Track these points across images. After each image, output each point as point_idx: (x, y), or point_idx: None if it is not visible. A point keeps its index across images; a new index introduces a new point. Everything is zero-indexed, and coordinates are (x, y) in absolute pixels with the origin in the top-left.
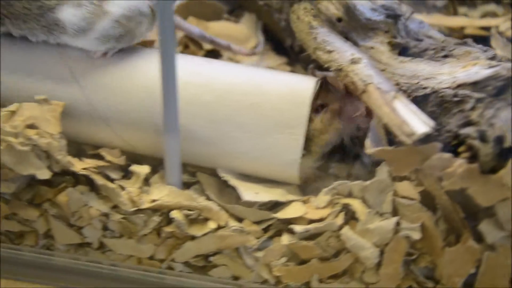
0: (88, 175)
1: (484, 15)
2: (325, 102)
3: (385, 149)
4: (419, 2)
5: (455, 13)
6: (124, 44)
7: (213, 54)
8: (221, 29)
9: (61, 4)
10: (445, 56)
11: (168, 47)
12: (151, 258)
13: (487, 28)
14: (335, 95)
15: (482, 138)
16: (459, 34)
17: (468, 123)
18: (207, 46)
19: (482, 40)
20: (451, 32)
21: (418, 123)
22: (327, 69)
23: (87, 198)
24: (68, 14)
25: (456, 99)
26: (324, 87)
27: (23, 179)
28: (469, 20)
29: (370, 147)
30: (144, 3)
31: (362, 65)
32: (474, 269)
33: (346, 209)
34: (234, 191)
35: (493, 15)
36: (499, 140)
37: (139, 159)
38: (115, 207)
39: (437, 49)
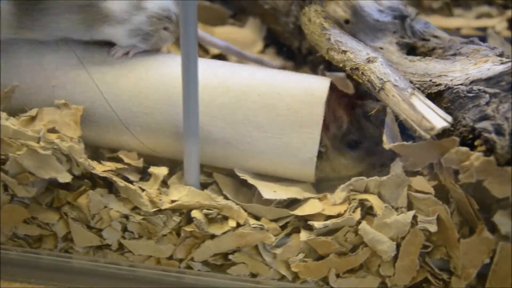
0: (109, 178)
1: (479, 16)
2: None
3: (404, 144)
4: (416, 3)
5: (450, 14)
6: (149, 45)
7: (220, 58)
8: (226, 34)
9: None
10: (454, 55)
11: (190, 52)
12: (170, 258)
13: (483, 29)
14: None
15: (498, 131)
16: (456, 35)
17: (484, 118)
18: (214, 51)
19: (480, 40)
20: (448, 33)
21: (437, 118)
22: (336, 70)
23: (107, 200)
24: (114, 4)
25: (470, 94)
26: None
27: (42, 183)
28: (465, 21)
29: (387, 143)
30: (174, 8)
31: (379, 64)
32: (488, 260)
33: (362, 204)
34: (250, 191)
35: (488, 16)
36: None
37: (154, 161)
38: (134, 209)
39: (445, 48)
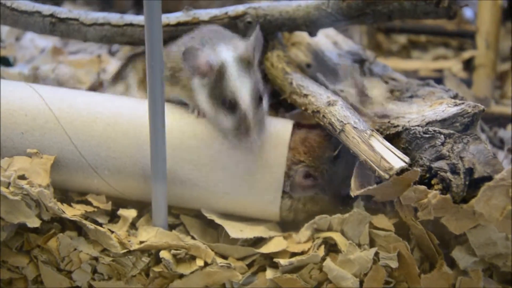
0: (78, 221)
1: (436, 58)
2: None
3: (370, 189)
4: (375, 46)
5: (408, 56)
6: None
7: None
8: None
9: None
10: (411, 97)
11: (157, 97)
12: None
13: (439, 70)
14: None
15: (453, 170)
16: (414, 76)
17: (440, 157)
18: None
19: (436, 81)
20: (406, 75)
21: (395, 159)
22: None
23: (76, 243)
24: None
25: (426, 135)
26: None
27: (12, 227)
28: (423, 63)
29: (355, 188)
30: None
31: (339, 107)
32: None
33: (326, 242)
34: (216, 231)
35: (444, 57)
36: (469, 172)
37: (123, 203)
38: (104, 251)
39: (402, 91)
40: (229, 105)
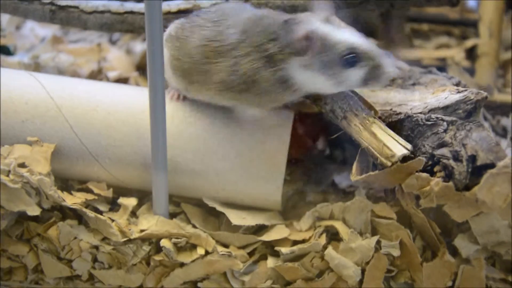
0: (79, 209)
1: (438, 47)
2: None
3: (371, 174)
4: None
5: (411, 45)
6: None
7: None
8: None
9: None
10: (413, 84)
11: (157, 85)
12: (140, 287)
13: (442, 59)
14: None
15: (456, 158)
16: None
17: (442, 145)
18: None
19: (439, 69)
20: (409, 63)
21: (397, 146)
22: None
23: (77, 231)
24: None
25: (429, 123)
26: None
27: (12, 216)
28: (425, 52)
29: (356, 173)
30: None
31: (340, 94)
32: (451, 282)
33: (328, 230)
34: (218, 220)
35: (446, 46)
36: (472, 159)
37: (124, 192)
38: (104, 239)
39: (404, 78)
40: (350, 62)
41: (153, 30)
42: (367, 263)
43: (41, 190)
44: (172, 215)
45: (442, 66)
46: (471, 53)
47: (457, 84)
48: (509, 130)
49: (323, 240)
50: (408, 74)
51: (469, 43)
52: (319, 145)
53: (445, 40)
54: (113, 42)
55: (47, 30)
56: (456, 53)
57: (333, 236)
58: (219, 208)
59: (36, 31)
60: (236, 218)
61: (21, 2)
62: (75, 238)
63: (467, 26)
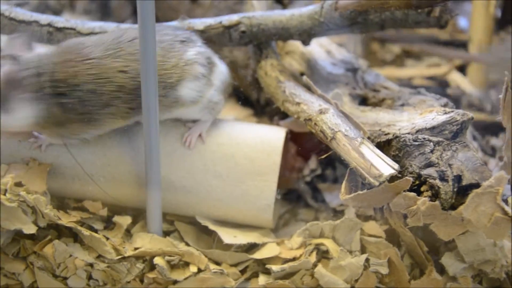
0: (74, 227)
1: (430, 66)
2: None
3: (360, 194)
4: (370, 56)
5: (402, 65)
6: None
7: None
8: None
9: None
10: (402, 105)
11: (151, 105)
12: None
13: (433, 78)
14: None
15: (442, 177)
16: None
17: (429, 165)
18: None
19: (430, 89)
20: (400, 82)
21: (384, 166)
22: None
23: (72, 249)
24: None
25: (416, 143)
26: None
27: (9, 234)
28: (417, 71)
29: (345, 192)
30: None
31: (330, 115)
32: None
33: (318, 248)
34: (210, 238)
35: (437, 66)
36: (458, 179)
37: (119, 210)
38: (99, 257)
39: (394, 99)
40: None
41: (147, 51)
42: (356, 280)
43: (37, 209)
44: (165, 233)
45: (428, 86)
46: (461, 72)
47: (445, 105)
48: (498, 150)
49: (313, 258)
50: (398, 94)
51: (458, 61)
52: (311, 164)
53: (436, 60)
54: None
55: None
56: (446, 72)
57: (324, 254)
58: (211, 226)
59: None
60: (228, 236)
61: (19, 24)
62: (70, 256)
63: (457, 46)
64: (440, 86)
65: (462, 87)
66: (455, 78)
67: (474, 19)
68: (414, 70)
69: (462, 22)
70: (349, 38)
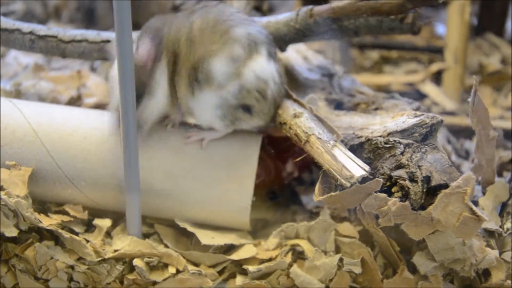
0: (55, 230)
1: (408, 73)
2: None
3: (333, 195)
4: (349, 63)
5: (381, 72)
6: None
7: None
8: None
9: None
10: (376, 109)
11: (129, 111)
12: None
13: (410, 84)
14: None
15: (412, 179)
16: (386, 91)
17: (399, 166)
18: None
19: (405, 94)
20: (378, 89)
21: (356, 167)
22: None
23: (53, 252)
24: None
25: (387, 145)
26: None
27: None
28: (394, 77)
29: (318, 194)
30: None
31: (304, 119)
32: None
33: (294, 249)
34: (189, 240)
35: (415, 72)
36: (427, 180)
37: (99, 213)
38: (80, 259)
39: (368, 103)
40: None
41: (124, 56)
42: (331, 280)
43: (18, 212)
44: (145, 236)
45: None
46: (438, 78)
47: (417, 109)
48: (471, 153)
49: (288, 258)
50: (372, 99)
51: (434, 67)
52: (287, 167)
53: (414, 66)
54: (93, 69)
55: (30, 58)
56: (422, 78)
57: (299, 255)
58: (190, 228)
59: (20, 59)
60: (205, 238)
61: (2, 32)
62: (52, 258)
63: (434, 53)
64: (417, 92)
65: (436, 100)
66: (429, 89)
67: (450, 26)
68: (391, 77)
69: (440, 29)
70: (327, 45)
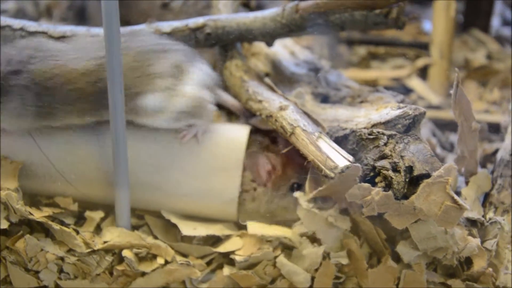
0: (45, 222)
1: (395, 68)
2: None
3: (321, 189)
4: (338, 57)
5: (368, 67)
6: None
7: None
8: None
9: None
10: (361, 102)
11: (117, 102)
12: None
13: (396, 79)
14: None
15: (395, 169)
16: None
17: (382, 157)
18: None
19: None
20: (366, 84)
21: (340, 158)
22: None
23: (43, 244)
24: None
25: (371, 137)
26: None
27: None
28: (381, 72)
29: (310, 190)
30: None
31: (289, 111)
32: (394, 287)
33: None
34: (179, 232)
35: (401, 67)
36: (409, 170)
37: (90, 206)
38: (69, 251)
39: (353, 96)
40: None
41: (112, 54)
42: (316, 270)
43: (9, 205)
44: (135, 227)
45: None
46: (424, 73)
47: (402, 101)
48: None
49: (278, 251)
50: (357, 92)
51: (420, 62)
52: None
53: (400, 62)
54: None
55: None
56: (408, 73)
57: (287, 244)
58: (173, 219)
59: None
60: (187, 228)
61: None
62: (42, 250)
63: (420, 48)
64: (403, 86)
65: (421, 94)
66: (415, 84)
67: (435, 21)
68: (379, 72)
69: (426, 25)
70: (315, 41)
